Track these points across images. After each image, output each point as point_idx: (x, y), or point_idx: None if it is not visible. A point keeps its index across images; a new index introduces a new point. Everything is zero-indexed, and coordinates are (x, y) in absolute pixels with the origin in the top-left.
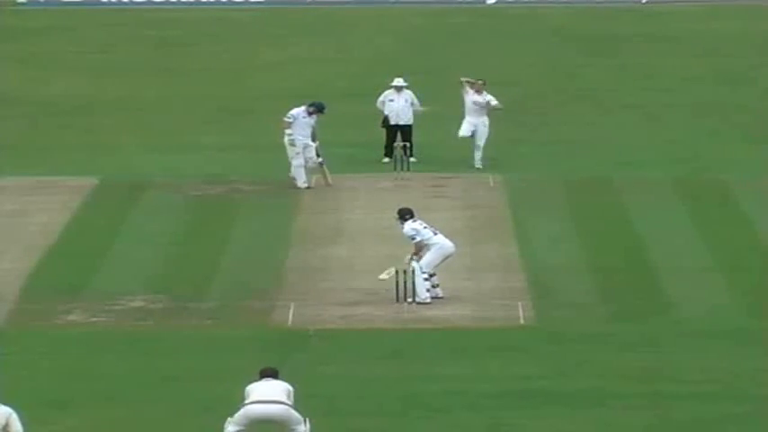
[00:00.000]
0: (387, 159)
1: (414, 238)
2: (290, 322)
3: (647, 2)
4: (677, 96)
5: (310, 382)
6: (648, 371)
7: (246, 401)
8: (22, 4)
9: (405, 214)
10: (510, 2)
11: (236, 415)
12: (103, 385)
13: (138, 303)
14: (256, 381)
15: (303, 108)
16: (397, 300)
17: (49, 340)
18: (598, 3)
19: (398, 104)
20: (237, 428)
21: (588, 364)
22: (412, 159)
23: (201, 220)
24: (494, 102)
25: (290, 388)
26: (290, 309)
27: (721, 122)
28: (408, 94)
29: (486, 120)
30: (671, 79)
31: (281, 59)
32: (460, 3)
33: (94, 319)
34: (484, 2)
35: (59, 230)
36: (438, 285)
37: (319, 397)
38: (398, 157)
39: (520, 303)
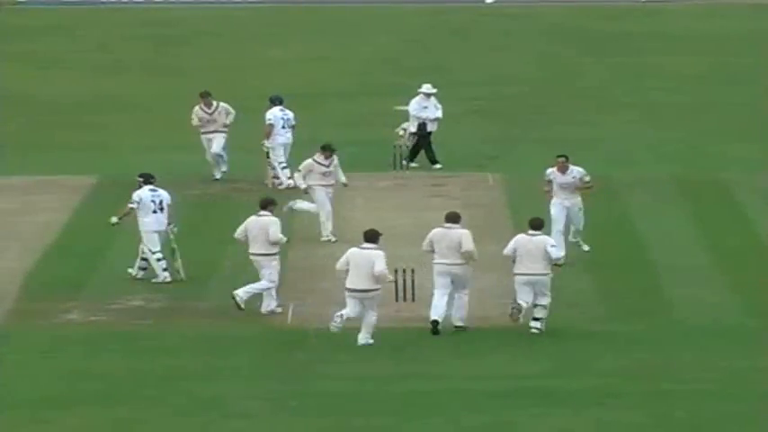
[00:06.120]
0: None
1: (132, 202)
2: (289, 321)
3: (646, 0)
4: (677, 96)
5: (310, 381)
6: (648, 370)
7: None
8: (22, 3)
9: (145, 177)
10: (510, 1)
11: None
12: (103, 385)
13: (137, 302)
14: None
15: (278, 108)
16: (396, 299)
17: (49, 340)
18: (598, 2)
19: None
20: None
21: (588, 364)
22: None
23: (201, 219)
24: (587, 177)
25: (277, 221)
26: (289, 308)
27: (721, 122)
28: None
29: (579, 200)
30: (671, 78)
31: (281, 59)
32: (460, 2)
33: (94, 318)
34: (483, 1)
35: (59, 229)
36: (167, 269)
37: (319, 396)
38: (396, 157)
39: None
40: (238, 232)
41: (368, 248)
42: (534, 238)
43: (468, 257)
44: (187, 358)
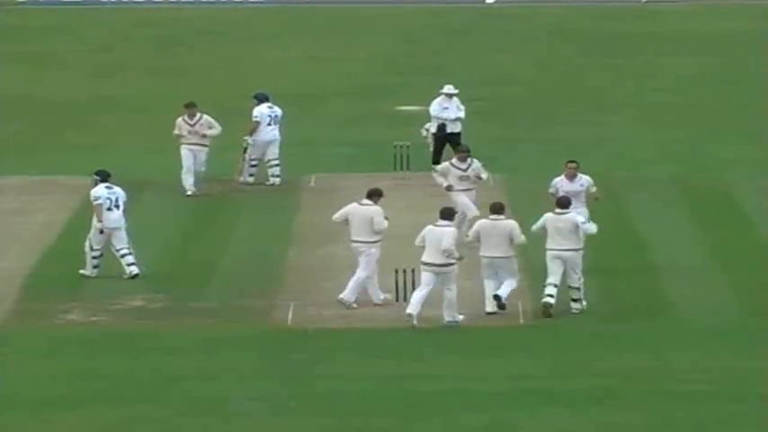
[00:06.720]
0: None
1: (96, 200)
2: (289, 322)
3: (646, 1)
4: (677, 96)
5: (310, 381)
6: (648, 370)
7: None
8: (22, 3)
9: (102, 174)
10: (510, 1)
11: None
12: (103, 385)
13: (137, 303)
14: (357, 202)
15: (266, 105)
16: (396, 299)
17: (49, 340)
18: (598, 2)
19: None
20: None
21: (588, 364)
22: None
23: (201, 219)
24: (593, 188)
25: (380, 211)
26: (289, 308)
27: (721, 122)
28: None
29: (585, 211)
30: (671, 79)
31: (281, 59)
32: (460, 2)
33: (94, 318)
34: (483, 1)
35: (59, 230)
36: (97, 267)
37: (319, 396)
38: (397, 157)
39: (520, 303)
40: (337, 216)
41: (442, 225)
42: (563, 215)
43: (521, 246)
44: (187, 358)
